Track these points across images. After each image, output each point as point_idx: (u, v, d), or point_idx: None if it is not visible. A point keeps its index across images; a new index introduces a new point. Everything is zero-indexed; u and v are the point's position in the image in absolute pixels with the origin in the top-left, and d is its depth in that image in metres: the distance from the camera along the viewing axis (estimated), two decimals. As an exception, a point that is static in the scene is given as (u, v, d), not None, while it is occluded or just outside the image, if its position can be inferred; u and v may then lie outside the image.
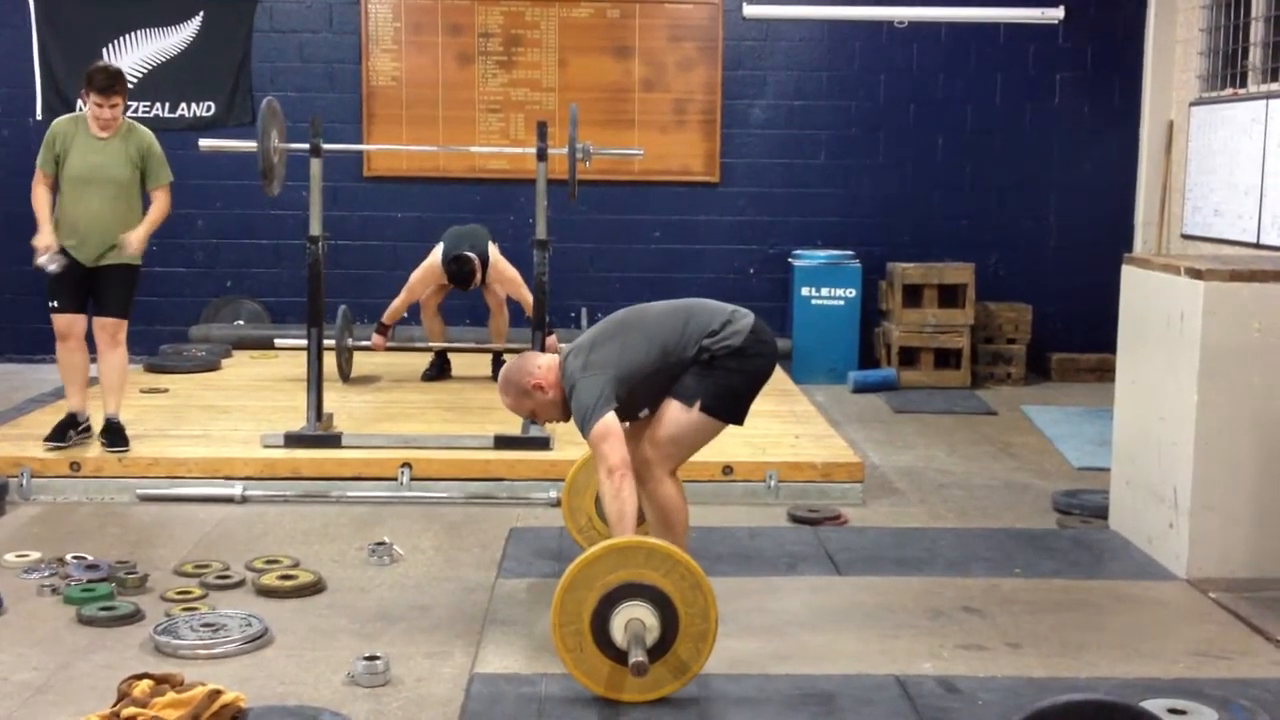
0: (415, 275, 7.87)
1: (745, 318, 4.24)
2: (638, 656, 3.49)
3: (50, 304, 6.01)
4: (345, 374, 7.82)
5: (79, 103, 6.21)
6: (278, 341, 8.14)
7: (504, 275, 7.82)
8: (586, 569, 3.64)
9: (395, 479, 5.90)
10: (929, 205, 9.50)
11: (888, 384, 8.87)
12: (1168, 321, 4.90)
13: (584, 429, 4.03)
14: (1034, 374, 9.39)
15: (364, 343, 7.91)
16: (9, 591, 4.54)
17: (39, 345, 8.15)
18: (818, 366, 9.01)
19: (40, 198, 5.98)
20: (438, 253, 7.78)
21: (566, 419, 4.24)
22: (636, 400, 4.15)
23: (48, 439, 6.00)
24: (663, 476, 4.19)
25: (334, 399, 6.89)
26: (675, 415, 4.15)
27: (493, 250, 7.79)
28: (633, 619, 3.61)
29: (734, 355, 4.15)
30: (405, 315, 8.10)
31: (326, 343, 6.54)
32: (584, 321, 8.43)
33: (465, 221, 8.16)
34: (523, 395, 4.21)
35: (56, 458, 5.88)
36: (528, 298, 7.41)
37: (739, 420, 4.28)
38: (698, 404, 4.14)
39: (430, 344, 8.08)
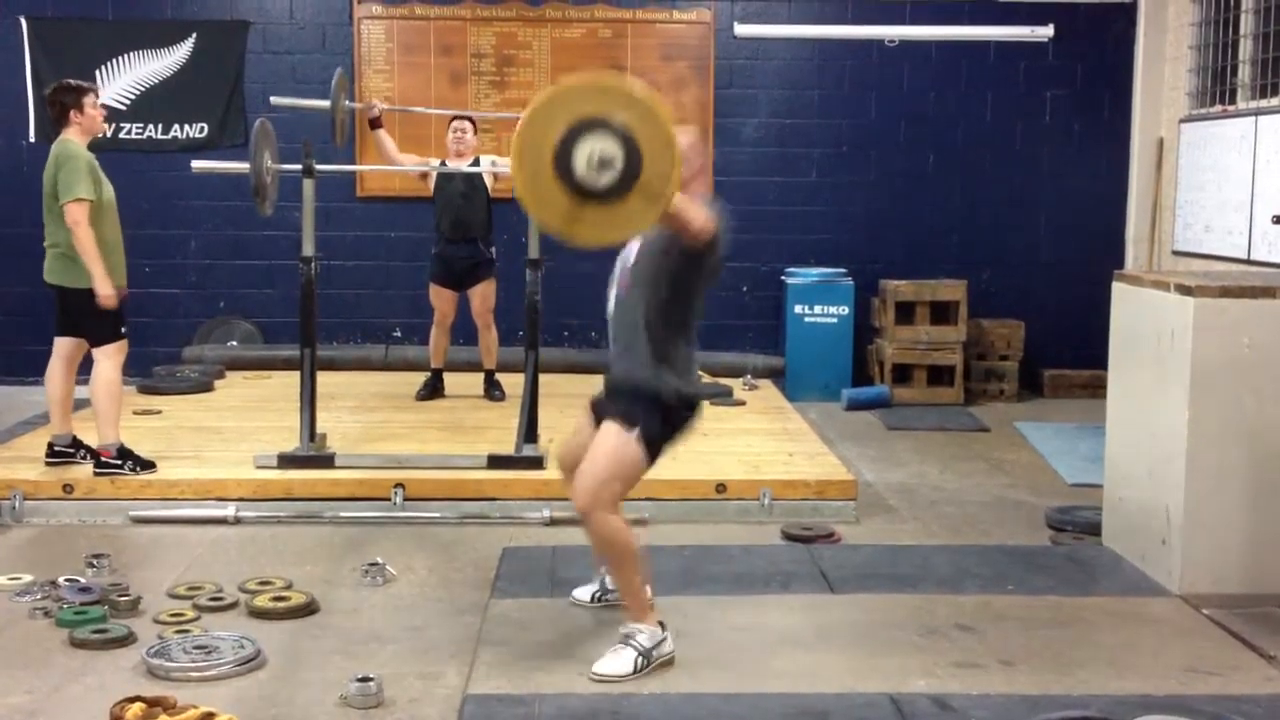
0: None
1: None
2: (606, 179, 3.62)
3: (120, 330, 5.90)
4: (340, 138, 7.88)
5: (72, 113, 5.71)
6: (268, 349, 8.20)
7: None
8: (565, 93, 3.71)
9: (388, 499, 5.90)
10: (921, 222, 9.52)
11: (881, 401, 8.88)
12: (1158, 338, 4.92)
13: (707, 219, 4.19)
14: (1027, 390, 9.40)
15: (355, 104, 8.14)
16: (1, 614, 4.53)
17: (31, 367, 8.11)
18: (811, 384, 9.02)
19: (93, 236, 5.63)
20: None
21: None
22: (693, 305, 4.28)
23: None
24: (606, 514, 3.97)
25: (327, 419, 6.89)
26: (611, 439, 3.98)
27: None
28: (600, 149, 3.61)
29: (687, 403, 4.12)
30: (399, 335, 8.10)
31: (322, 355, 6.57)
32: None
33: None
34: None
35: (49, 479, 5.86)
36: (491, 335, 7.84)
37: (657, 455, 4.07)
38: (636, 431, 3.99)
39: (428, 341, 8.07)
